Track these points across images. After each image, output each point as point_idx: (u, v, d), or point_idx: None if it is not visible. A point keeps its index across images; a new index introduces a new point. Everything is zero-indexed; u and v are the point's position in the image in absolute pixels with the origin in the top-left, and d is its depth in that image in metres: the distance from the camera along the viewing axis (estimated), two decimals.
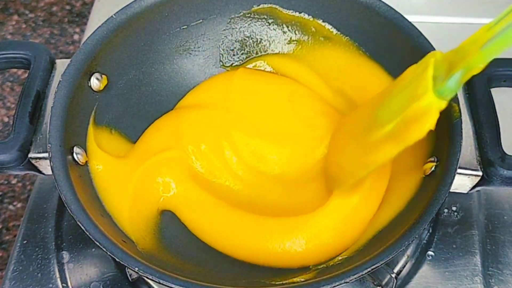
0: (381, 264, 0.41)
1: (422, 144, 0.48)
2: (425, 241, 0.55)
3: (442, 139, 0.47)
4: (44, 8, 0.93)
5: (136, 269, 0.40)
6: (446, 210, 0.57)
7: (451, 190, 0.44)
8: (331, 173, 0.52)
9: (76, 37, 0.90)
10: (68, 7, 0.93)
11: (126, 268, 0.51)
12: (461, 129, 0.45)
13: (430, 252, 0.54)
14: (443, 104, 0.39)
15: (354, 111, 0.52)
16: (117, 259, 0.41)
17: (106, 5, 0.73)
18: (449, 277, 0.53)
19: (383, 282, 0.51)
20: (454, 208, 0.57)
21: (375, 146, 0.44)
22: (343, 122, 0.53)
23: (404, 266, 0.54)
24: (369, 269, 0.40)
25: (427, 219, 0.42)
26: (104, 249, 0.41)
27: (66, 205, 0.43)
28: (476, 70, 0.37)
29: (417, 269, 0.53)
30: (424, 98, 0.39)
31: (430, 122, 0.39)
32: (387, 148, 0.43)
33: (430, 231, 0.56)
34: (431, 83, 0.38)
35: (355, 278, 0.40)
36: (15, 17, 0.92)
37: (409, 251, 0.54)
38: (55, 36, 0.89)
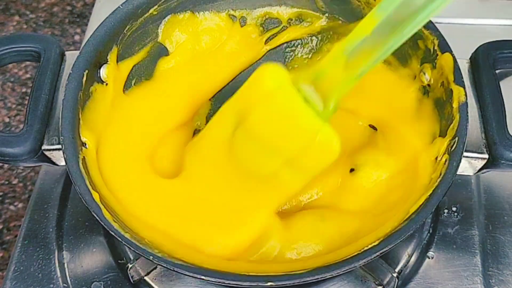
0: (393, 247, 0.42)
1: (428, 128, 0.49)
2: (425, 241, 0.55)
3: (449, 123, 0.47)
4: (45, 9, 0.93)
5: (151, 257, 0.42)
6: (446, 211, 0.57)
7: (457, 173, 0.45)
8: None
9: (77, 37, 0.90)
10: (69, 8, 0.93)
11: (128, 269, 0.51)
12: (467, 112, 0.46)
13: (430, 252, 0.54)
14: (326, 125, 0.42)
15: None
16: (133, 249, 0.42)
17: (107, 6, 0.73)
18: (450, 277, 0.53)
19: (384, 282, 0.51)
20: (454, 209, 0.57)
21: (270, 184, 0.47)
22: None
23: (405, 266, 0.54)
24: (383, 250, 0.42)
25: (435, 203, 0.43)
26: (119, 239, 0.43)
27: (80, 196, 0.44)
28: (349, 87, 0.39)
29: (418, 269, 0.53)
30: (316, 132, 0.42)
31: (336, 148, 0.42)
32: (290, 181, 0.46)
33: (431, 231, 0.56)
34: (312, 114, 0.41)
35: (374, 258, 0.42)
36: (16, 17, 0.92)
37: (410, 251, 0.54)
38: (56, 37, 0.89)
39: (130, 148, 0.54)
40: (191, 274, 0.42)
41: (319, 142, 0.42)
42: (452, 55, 0.49)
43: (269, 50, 0.62)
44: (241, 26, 0.61)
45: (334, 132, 0.42)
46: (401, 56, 0.56)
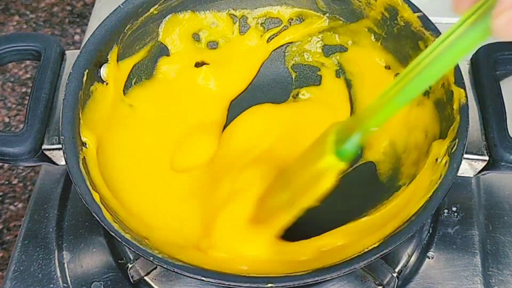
0: (393, 248, 0.42)
1: (429, 129, 0.49)
2: (425, 242, 0.55)
3: (449, 124, 0.47)
4: (45, 9, 0.93)
5: (151, 258, 0.42)
6: (446, 211, 0.57)
7: (458, 175, 0.45)
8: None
9: (77, 37, 0.90)
10: (69, 8, 0.93)
11: (128, 269, 0.51)
12: (468, 113, 0.46)
13: (430, 252, 0.54)
14: (343, 165, 0.42)
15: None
16: (133, 250, 0.42)
17: (107, 6, 0.73)
18: (450, 277, 0.53)
19: (384, 282, 0.51)
20: (454, 209, 0.57)
21: (273, 210, 0.48)
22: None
23: (405, 266, 0.54)
24: (383, 252, 0.42)
25: (435, 205, 0.43)
26: (119, 239, 0.43)
27: (80, 196, 0.44)
28: (370, 134, 0.41)
29: (418, 269, 0.53)
30: (324, 159, 0.42)
31: (329, 181, 0.43)
32: (282, 214, 0.47)
33: (431, 231, 0.56)
34: (331, 146, 0.42)
35: (374, 260, 0.42)
36: (16, 17, 0.92)
37: (410, 251, 0.54)
38: (56, 37, 0.89)
39: (133, 147, 0.54)
40: (191, 275, 0.42)
41: (319, 168, 0.44)
42: None
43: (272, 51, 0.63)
44: (241, 34, 0.62)
45: (334, 170, 0.43)
46: (402, 57, 0.56)
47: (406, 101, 0.39)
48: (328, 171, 0.43)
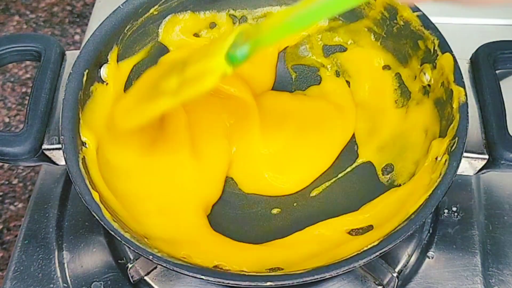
0: (393, 247, 0.42)
1: (428, 128, 0.49)
2: (425, 241, 0.55)
3: (449, 123, 0.47)
4: (45, 9, 0.93)
5: (151, 257, 0.42)
6: (446, 211, 0.57)
7: (457, 173, 0.45)
8: None
9: (77, 37, 0.90)
10: (69, 8, 0.93)
11: (128, 269, 0.51)
12: (467, 112, 0.46)
13: (430, 252, 0.54)
14: (228, 70, 0.41)
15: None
16: (133, 249, 0.42)
17: (107, 6, 0.73)
18: (450, 277, 0.53)
19: (384, 282, 0.51)
20: (454, 209, 0.57)
21: (156, 96, 0.46)
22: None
23: (405, 266, 0.54)
24: (383, 250, 0.42)
25: (435, 203, 0.43)
26: (119, 239, 0.43)
27: (80, 196, 0.44)
28: (261, 47, 0.40)
29: (418, 269, 0.53)
30: (214, 58, 0.41)
31: (210, 81, 0.42)
32: (164, 100, 0.45)
33: (431, 231, 0.56)
34: (226, 47, 0.41)
35: (373, 258, 0.42)
36: (16, 17, 0.92)
37: (410, 251, 0.54)
38: (56, 37, 0.89)
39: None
40: (191, 274, 0.42)
41: (206, 67, 0.43)
42: (453, 55, 0.49)
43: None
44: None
45: (218, 72, 0.42)
46: (401, 56, 0.56)
47: (299, 26, 0.39)
48: (214, 70, 0.42)
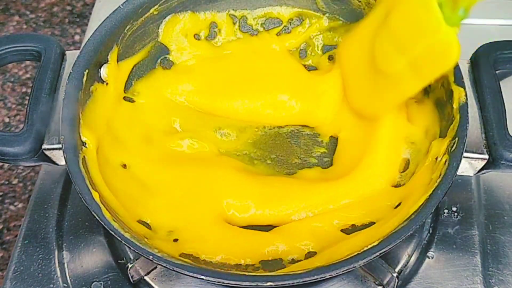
0: (393, 247, 0.42)
1: (429, 128, 0.49)
2: (425, 241, 0.55)
3: (449, 123, 0.48)
4: (45, 9, 0.93)
5: (151, 257, 0.42)
6: (446, 211, 0.57)
7: (458, 173, 0.45)
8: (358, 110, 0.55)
9: (77, 37, 0.90)
10: (69, 8, 0.93)
11: (128, 269, 0.51)
12: (467, 112, 0.46)
13: (430, 252, 0.54)
14: (457, 30, 0.41)
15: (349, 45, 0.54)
16: (133, 249, 0.43)
17: (107, 6, 0.73)
18: (450, 277, 0.53)
19: (384, 282, 0.51)
20: (454, 209, 0.57)
21: (392, 84, 0.48)
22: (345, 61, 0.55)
23: (405, 266, 0.54)
24: (383, 251, 0.42)
25: (435, 203, 0.43)
26: (119, 238, 0.43)
27: (80, 196, 0.44)
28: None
29: (418, 269, 0.53)
30: (439, 32, 0.41)
31: (455, 53, 0.42)
32: (408, 84, 0.46)
33: (431, 231, 0.56)
34: (440, 16, 0.41)
35: (373, 258, 0.42)
36: (16, 17, 0.92)
37: (410, 251, 0.54)
38: (56, 37, 0.89)
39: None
40: (191, 274, 0.42)
41: (439, 42, 0.43)
42: None
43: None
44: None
45: (456, 38, 0.42)
46: None
47: None
48: (448, 43, 0.42)
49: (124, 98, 0.57)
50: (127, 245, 0.43)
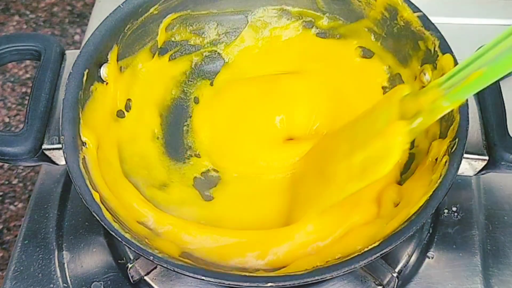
0: (393, 248, 0.42)
1: (429, 129, 0.49)
2: (425, 241, 0.55)
3: (449, 124, 0.48)
4: (45, 9, 0.93)
5: (151, 257, 0.42)
6: (446, 211, 0.57)
7: (458, 174, 0.45)
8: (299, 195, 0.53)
9: (77, 37, 0.90)
10: (69, 8, 0.93)
11: (128, 269, 0.51)
12: (468, 113, 0.46)
13: (430, 252, 0.54)
14: (409, 139, 0.42)
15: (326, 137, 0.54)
16: (133, 249, 0.43)
17: (107, 6, 0.73)
18: (450, 277, 0.53)
19: (384, 282, 0.51)
20: (454, 209, 0.57)
21: (339, 180, 0.47)
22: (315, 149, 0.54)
23: (405, 266, 0.54)
24: (383, 252, 0.42)
25: (435, 204, 0.43)
26: (119, 239, 0.43)
27: (80, 196, 0.44)
28: (439, 114, 0.40)
29: (418, 269, 0.53)
30: (391, 135, 0.42)
31: (395, 157, 0.42)
32: (351, 184, 0.45)
33: (431, 231, 0.56)
34: (398, 123, 0.41)
35: (374, 259, 0.42)
36: (16, 17, 0.92)
37: (410, 251, 0.54)
38: (56, 37, 0.89)
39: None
40: (191, 274, 0.42)
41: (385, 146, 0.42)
42: (453, 56, 0.49)
43: None
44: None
45: (399, 145, 0.42)
46: (402, 56, 0.56)
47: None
48: (393, 147, 0.42)
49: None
50: (128, 245, 0.43)
